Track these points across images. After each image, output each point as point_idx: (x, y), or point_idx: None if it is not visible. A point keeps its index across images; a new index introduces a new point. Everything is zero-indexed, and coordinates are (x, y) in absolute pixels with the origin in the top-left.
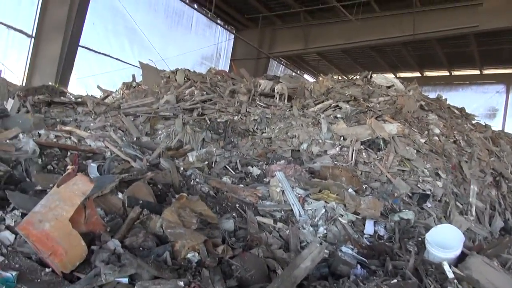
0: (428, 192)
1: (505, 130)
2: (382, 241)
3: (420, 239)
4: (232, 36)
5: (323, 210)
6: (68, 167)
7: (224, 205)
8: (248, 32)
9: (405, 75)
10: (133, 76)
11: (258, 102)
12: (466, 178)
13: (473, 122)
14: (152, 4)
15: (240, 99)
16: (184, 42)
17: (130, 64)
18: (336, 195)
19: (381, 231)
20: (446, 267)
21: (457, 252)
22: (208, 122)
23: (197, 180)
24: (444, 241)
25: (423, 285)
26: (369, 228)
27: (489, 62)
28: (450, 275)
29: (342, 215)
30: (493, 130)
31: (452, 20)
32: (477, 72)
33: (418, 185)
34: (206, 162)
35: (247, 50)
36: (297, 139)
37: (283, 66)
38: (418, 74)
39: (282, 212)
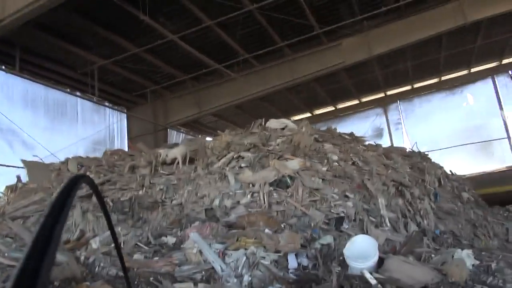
0: (342, 215)
1: (394, 145)
2: (307, 270)
3: (341, 258)
4: (124, 115)
5: (244, 257)
6: None
7: (136, 282)
8: (139, 108)
9: (298, 117)
10: (18, 177)
11: (161, 171)
12: (372, 193)
13: (365, 143)
14: (28, 100)
15: (142, 172)
16: (72, 131)
17: (13, 166)
18: (254, 238)
19: (304, 262)
20: (367, 275)
21: (375, 258)
22: (111, 203)
23: (102, 264)
24: (362, 252)
25: None
26: (292, 262)
27: (364, 91)
28: (373, 281)
29: (264, 257)
30: (384, 147)
31: (322, 61)
32: (356, 101)
33: (332, 210)
34: (113, 245)
35: (143, 126)
36: (207, 197)
37: (183, 134)
38: (308, 114)
39: (203, 273)
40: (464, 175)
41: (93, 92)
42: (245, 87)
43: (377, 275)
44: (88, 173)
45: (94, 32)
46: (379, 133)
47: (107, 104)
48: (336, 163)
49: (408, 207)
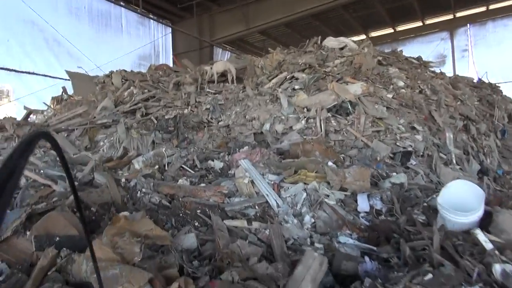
0: (410, 149)
1: (458, 74)
2: (383, 216)
3: (425, 204)
4: (169, 30)
5: (304, 194)
6: None
7: (181, 215)
8: (185, 23)
9: (352, 39)
10: (63, 88)
11: (207, 90)
12: (439, 127)
13: (433, 70)
14: (72, 10)
15: (187, 90)
16: (117, 44)
17: (59, 78)
18: (315, 172)
19: (378, 205)
20: (480, 236)
21: (480, 213)
22: (155, 121)
23: (144, 190)
24: (459, 201)
25: (461, 269)
26: (363, 204)
27: (429, 12)
28: (488, 245)
29: (328, 195)
30: (450, 76)
31: None
32: (419, 23)
33: (397, 144)
34: (157, 166)
35: (187, 42)
36: (257, 120)
37: (229, 52)
38: (363, 36)
39: (256, 208)
40: None
41: (137, 3)
42: (298, 2)
43: (491, 237)
44: (132, 88)
45: None
46: (442, 60)
47: (151, 16)
48: (403, 90)
49: (472, 143)
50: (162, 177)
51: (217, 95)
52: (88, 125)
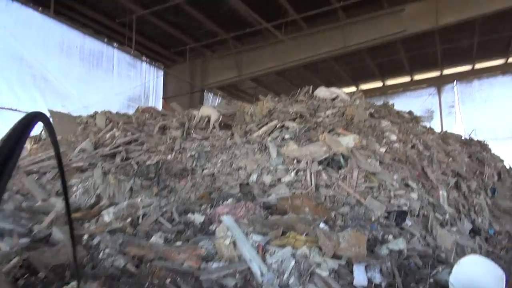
0: (405, 208)
1: (445, 130)
2: None
3: (431, 279)
4: (161, 73)
5: (293, 261)
6: None
7: (147, 285)
8: (177, 66)
9: (343, 90)
10: (43, 128)
11: (194, 135)
12: (433, 184)
13: (424, 125)
14: (64, 48)
15: (173, 134)
16: (107, 85)
17: None
18: (306, 235)
19: (377, 278)
20: None
21: None
22: (135, 166)
23: (108, 250)
24: (473, 282)
25: None
26: (360, 276)
27: (417, 68)
28: None
29: (320, 264)
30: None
31: (380, 28)
32: (408, 79)
33: (392, 202)
34: (130, 219)
35: (179, 86)
36: (244, 170)
37: (220, 97)
38: (354, 88)
39: (237, 276)
40: None
41: (130, 44)
42: (291, 52)
43: None
44: (114, 130)
45: None
46: (429, 116)
47: (144, 59)
48: (396, 145)
49: (463, 201)
50: (135, 231)
51: (203, 141)
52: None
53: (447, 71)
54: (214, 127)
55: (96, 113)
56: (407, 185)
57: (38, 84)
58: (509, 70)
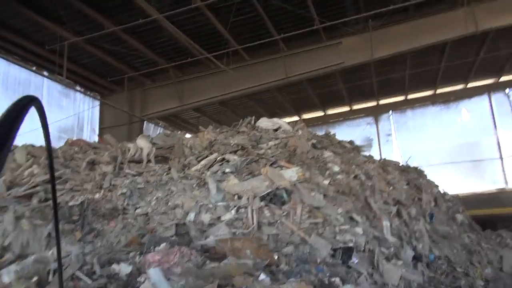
0: (351, 244)
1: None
2: None
3: None
4: (97, 102)
5: None
6: None
7: None
8: (115, 96)
9: (286, 121)
10: None
11: (127, 171)
12: (376, 214)
13: (365, 154)
14: None
15: (103, 170)
16: (35, 116)
17: None
18: None
19: None
20: None
21: None
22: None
23: None
24: None
25: None
26: None
27: (356, 98)
28: None
29: None
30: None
31: (319, 60)
32: (347, 108)
33: (337, 238)
34: (36, 278)
35: (117, 116)
36: (181, 208)
37: (161, 128)
38: (296, 118)
39: None
40: (456, 195)
41: (61, 72)
42: (234, 82)
43: None
44: (35, 166)
45: (66, 2)
46: (369, 144)
47: (78, 88)
48: (339, 176)
49: (404, 228)
50: None
51: (137, 177)
52: None
53: (383, 101)
54: (149, 161)
55: (15, 147)
56: (351, 219)
57: None
58: (438, 100)
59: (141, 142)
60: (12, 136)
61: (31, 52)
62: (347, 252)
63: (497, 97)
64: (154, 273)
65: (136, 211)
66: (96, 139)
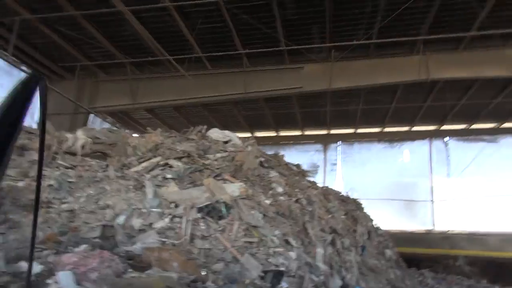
0: (283, 268)
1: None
2: None
3: None
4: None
5: None
6: None
7: None
8: (63, 83)
9: (237, 135)
10: None
11: (59, 162)
12: (311, 240)
13: (310, 179)
14: None
15: (33, 157)
16: None
17: None
18: None
19: None
20: None
21: None
22: None
23: None
24: None
25: None
26: None
27: (308, 124)
28: None
29: None
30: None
31: (279, 81)
32: (299, 133)
33: (270, 260)
34: None
35: (63, 104)
36: (111, 209)
37: (109, 124)
38: (248, 134)
39: None
40: (387, 231)
41: (7, 48)
42: (191, 89)
43: None
44: None
45: None
46: (314, 170)
47: (23, 68)
48: (281, 197)
49: (336, 257)
50: None
51: (69, 170)
52: None
53: (333, 131)
54: (88, 155)
55: None
56: (287, 242)
57: None
58: (384, 138)
59: (81, 133)
60: (23, 118)
61: None
62: (278, 276)
63: (437, 144)
64: (64, 277)
65: (62, 206)
66: (35, 125)
